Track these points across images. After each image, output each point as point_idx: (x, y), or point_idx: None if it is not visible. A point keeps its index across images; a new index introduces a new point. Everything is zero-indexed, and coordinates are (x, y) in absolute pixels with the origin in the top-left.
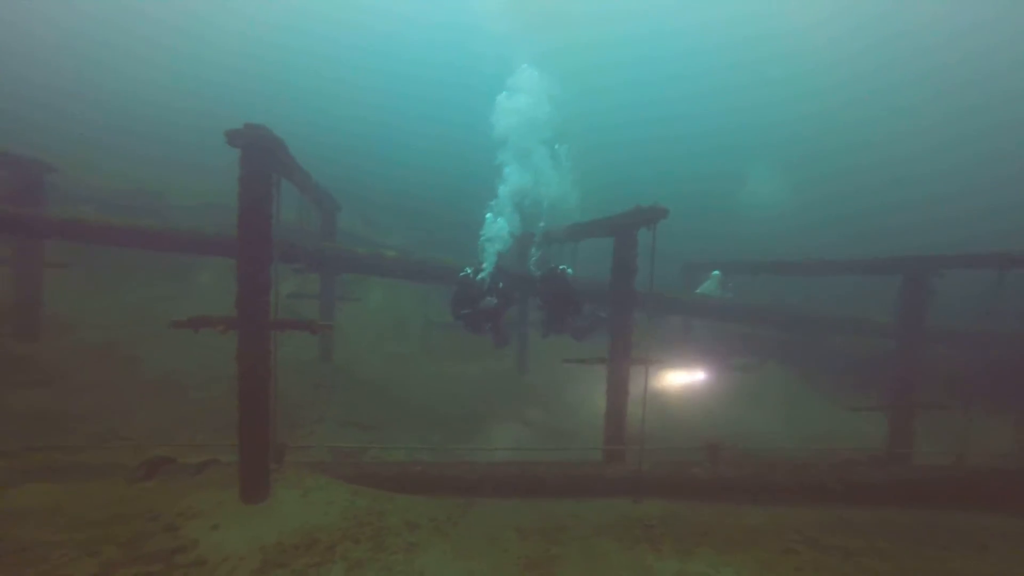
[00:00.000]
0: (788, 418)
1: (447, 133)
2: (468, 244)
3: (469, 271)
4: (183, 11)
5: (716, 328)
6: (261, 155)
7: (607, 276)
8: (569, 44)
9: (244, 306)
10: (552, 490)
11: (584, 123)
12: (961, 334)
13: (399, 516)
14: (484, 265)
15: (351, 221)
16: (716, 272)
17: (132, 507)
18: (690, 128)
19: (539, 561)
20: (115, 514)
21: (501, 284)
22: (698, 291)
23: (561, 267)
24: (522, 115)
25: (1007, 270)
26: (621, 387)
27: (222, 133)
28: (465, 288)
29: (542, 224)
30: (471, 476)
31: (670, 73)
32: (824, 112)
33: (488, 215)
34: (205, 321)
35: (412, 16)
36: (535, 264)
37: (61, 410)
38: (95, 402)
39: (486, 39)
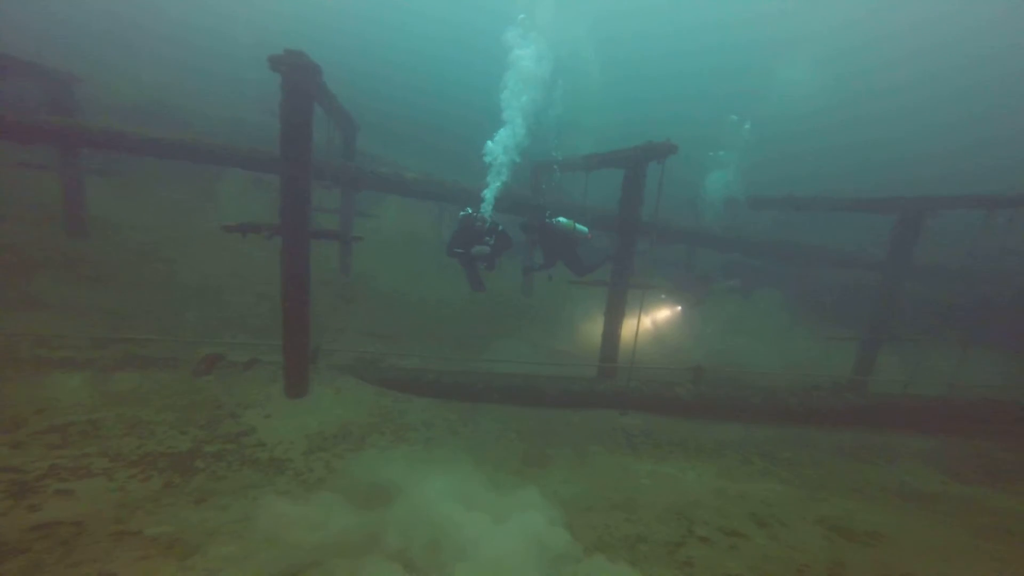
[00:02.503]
0: (773, 344)
1: (464, 58)
2: (479, 167)
3: (470, 210)
4: None
5: (713, 257)
6: (301, 79)
7: (613, 205)
8: None
9: (288, 215)
10: (550, 400)
11: (604, 54)
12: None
13: (417, 415)
14: (483, 205)
15: (368, 142)
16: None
17: (201, 396)
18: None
19: (536, 458)
20: (190, 402)
21: (501, 227)
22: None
23: (549, 218)
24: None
25: (994, 211)
26: (619, 309)
27: (235, 45)
28: (466, 227)
29: (555, 153)
30: (479, 385)
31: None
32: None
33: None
34: (253, 227)
35: None
36: (529, 213)
37: (118, 307)
38: (145, 300)
39: None
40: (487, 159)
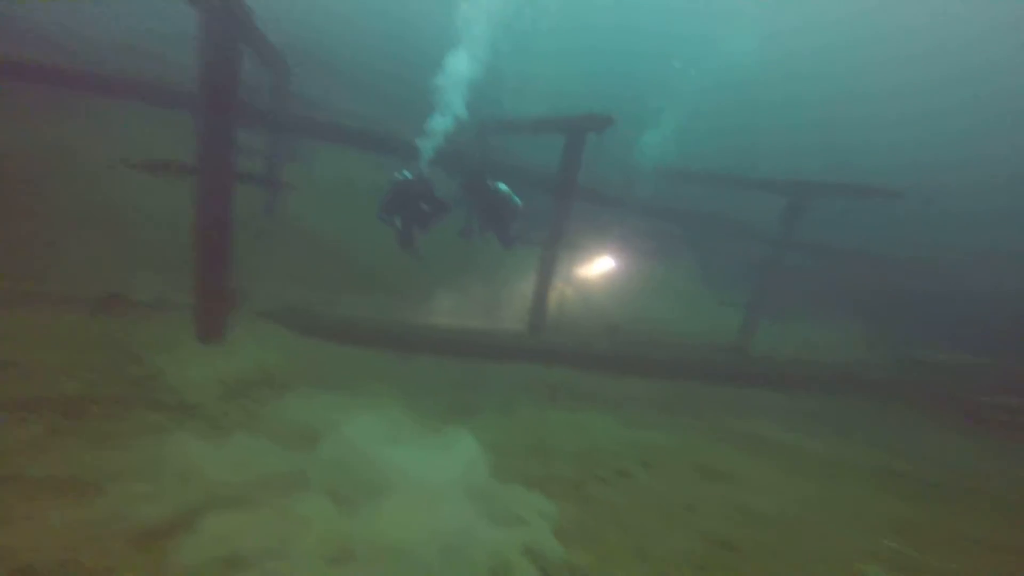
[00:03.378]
0: (686, 307)
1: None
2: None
3: (408, 174)
4: None
5: (641, 224)
6: (226, 23)
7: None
8: None
9: (209, 157)
10: (481, 353)
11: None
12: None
13: (345, 364)
14: (421, 162)
15: (307, 84)
16: None
17: (97, 338)
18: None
19: (465, 406)
20: (84, 342)
21: (438, 194)
22: None
23: (491, 183)
24: None
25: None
26: (550, 269)
27: None
28: (400, 191)
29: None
30: (411, 336)
31: None
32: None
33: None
34: (166, 166)
35: None
36: (465, 172)
37: None
38: (29, 232)
39: None
40: (434, 96)
